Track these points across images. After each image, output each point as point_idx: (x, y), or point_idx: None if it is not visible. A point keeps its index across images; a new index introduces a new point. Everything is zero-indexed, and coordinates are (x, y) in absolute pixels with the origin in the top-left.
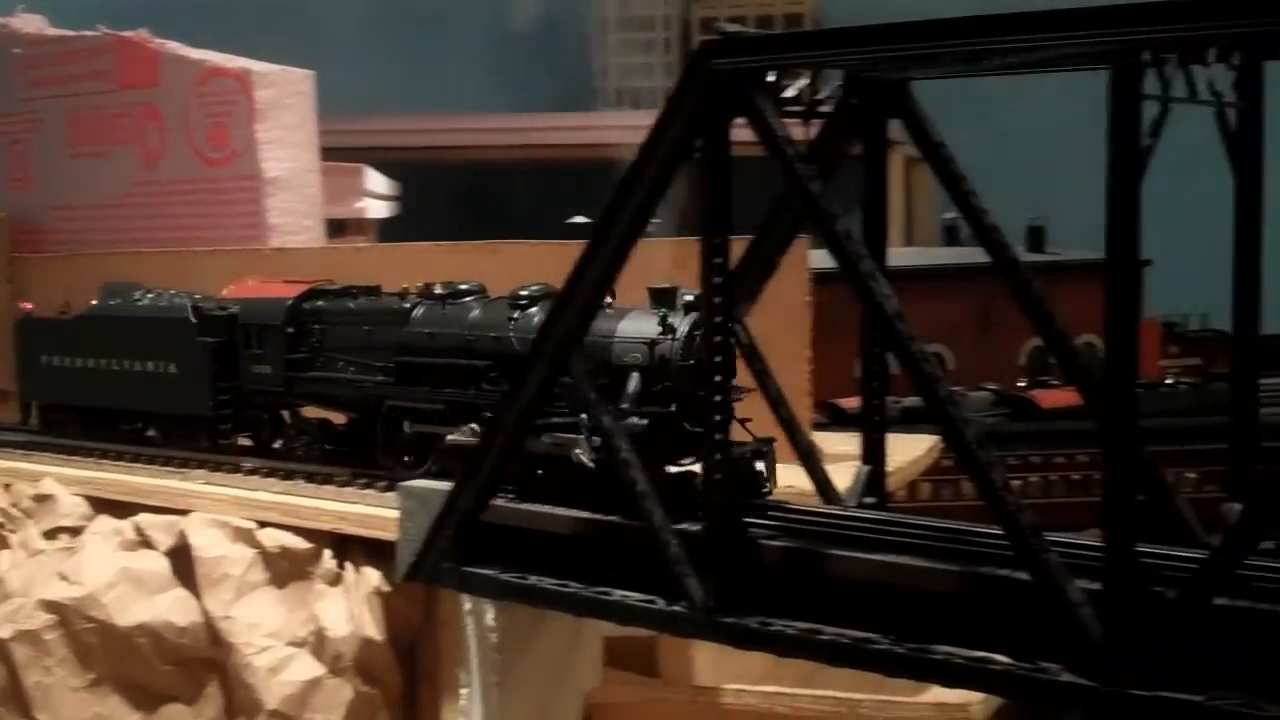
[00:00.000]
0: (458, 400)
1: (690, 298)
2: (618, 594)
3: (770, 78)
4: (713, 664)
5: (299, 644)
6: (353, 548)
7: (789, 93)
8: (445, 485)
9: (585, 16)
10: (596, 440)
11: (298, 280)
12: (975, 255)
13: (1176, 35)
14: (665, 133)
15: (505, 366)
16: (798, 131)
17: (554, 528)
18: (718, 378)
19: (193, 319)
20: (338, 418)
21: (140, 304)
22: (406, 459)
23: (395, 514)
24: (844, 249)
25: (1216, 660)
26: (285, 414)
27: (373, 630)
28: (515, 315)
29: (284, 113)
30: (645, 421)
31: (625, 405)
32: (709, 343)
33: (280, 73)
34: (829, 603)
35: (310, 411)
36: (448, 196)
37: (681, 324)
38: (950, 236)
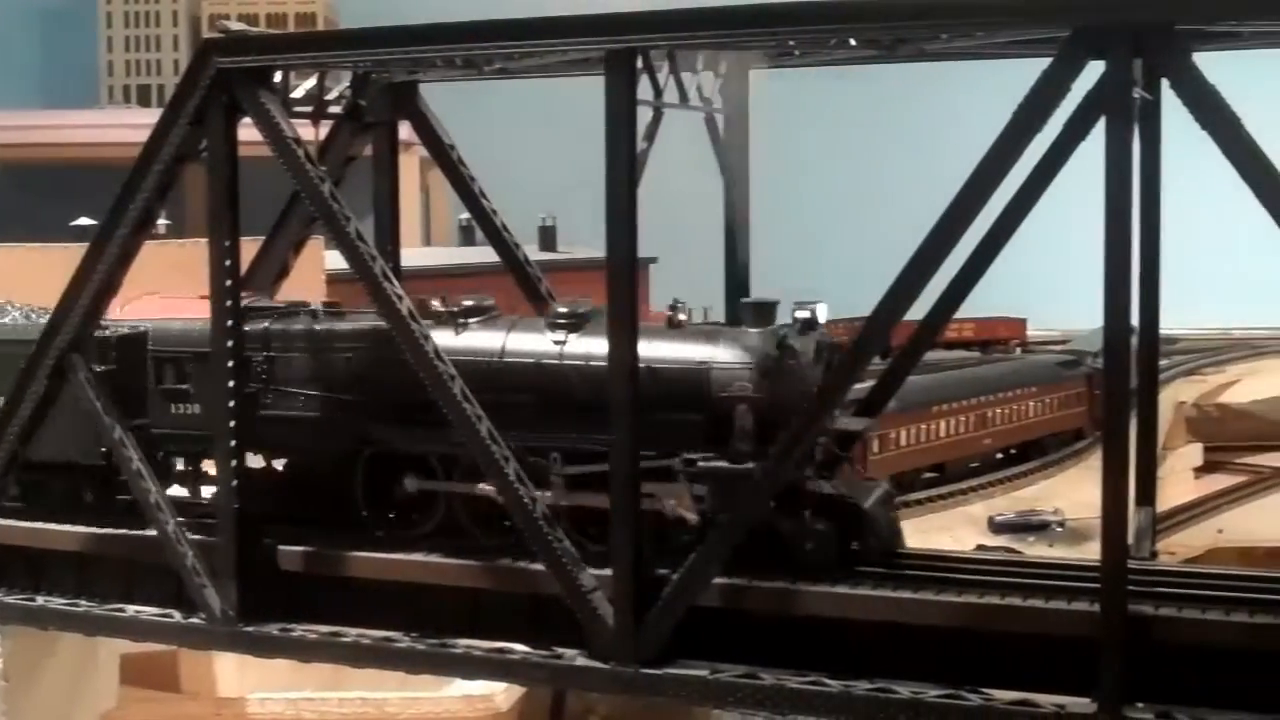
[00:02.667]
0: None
1: (806, 314)
2: (131, 610)
3: (277, 78)
4: (237, 674)
5: None
6: None
7: (297, 93)
8: None
9: (91, 9)
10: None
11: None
12: (491, 254)
13: (664, 42)
14: (169, 132)
15: (554, 401)
16: (308, 133)
17: (64, 545)
18: (231, 383)
19: None
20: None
21: None
22: (396, 517)
23: None
24: (356, 250)
25: (714, 634)
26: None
27: None
28: (560, 338)
29: None
30: (751, 466)
31: (741, 447)
32: (219, 349)
33: None
34: (354, 605)
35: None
36: None
37: (806, 344)
38: (467, 236)
